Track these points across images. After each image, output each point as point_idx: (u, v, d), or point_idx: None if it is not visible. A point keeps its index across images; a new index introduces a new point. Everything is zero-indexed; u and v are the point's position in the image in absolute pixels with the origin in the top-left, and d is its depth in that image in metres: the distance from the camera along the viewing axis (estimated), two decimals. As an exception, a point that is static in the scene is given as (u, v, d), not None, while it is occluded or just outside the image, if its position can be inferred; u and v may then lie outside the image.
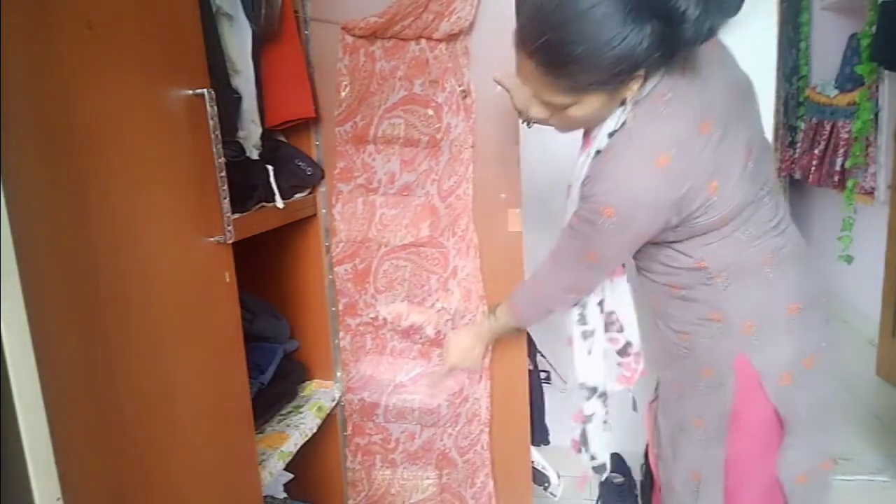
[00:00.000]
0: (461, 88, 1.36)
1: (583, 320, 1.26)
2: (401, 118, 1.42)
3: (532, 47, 0.92)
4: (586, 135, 1.09)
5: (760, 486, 1.15)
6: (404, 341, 1.53)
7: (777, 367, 1.09)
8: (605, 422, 1.30)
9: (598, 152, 1.03)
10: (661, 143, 0.96)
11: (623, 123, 1.00)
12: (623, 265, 1.26)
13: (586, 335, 1.27)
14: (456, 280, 1.44)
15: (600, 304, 1.27)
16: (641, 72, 0.93)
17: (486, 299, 1.44)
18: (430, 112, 1.40)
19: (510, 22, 1.32)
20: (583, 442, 1.33)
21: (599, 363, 1.28)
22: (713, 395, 1.15)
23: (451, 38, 1.34)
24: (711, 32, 0.87)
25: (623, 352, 1.31)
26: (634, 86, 0.95)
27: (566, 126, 1.06)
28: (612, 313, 1.29)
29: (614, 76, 0.91)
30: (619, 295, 1.27)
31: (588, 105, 0.97)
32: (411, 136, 1.42)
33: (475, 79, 1.37)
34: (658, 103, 0.98)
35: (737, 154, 1.00)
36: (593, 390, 1.28)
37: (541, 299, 1.28)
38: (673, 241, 1.07)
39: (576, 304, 1.26)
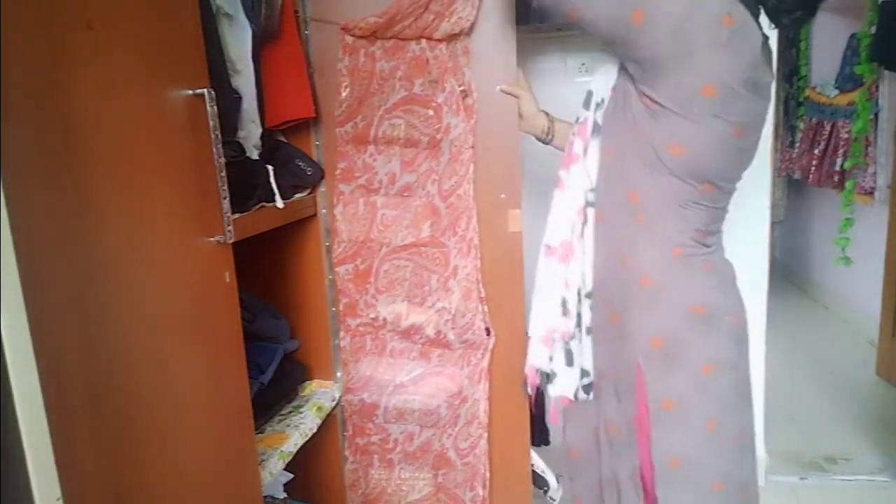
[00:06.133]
0: (461, 88, 1.36)
1: None
2: (401, 118, 1.42)
3: None
4: None
5: None
6: (404, 342, 1.53)
7: None
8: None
9: None
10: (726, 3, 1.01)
11: None
12: None
13: None
14: (456, 279, 1.44)
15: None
16: None
17: (485, 300, 1.44)
18: (431, 112, 1.40)
19: (510, 21, 1.32)
20: (568, 360, 1.28)
21: None
22: (624, 402, 1.17)
23: (452, 38, 1.34)
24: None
25: None
26: None
27: None
28: None
29: None
30: None
31: None
32: (411, 137, 1.42)
33: (475, 79, 1.37)
34: None
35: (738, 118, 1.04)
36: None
37: None
38: None
39: None
